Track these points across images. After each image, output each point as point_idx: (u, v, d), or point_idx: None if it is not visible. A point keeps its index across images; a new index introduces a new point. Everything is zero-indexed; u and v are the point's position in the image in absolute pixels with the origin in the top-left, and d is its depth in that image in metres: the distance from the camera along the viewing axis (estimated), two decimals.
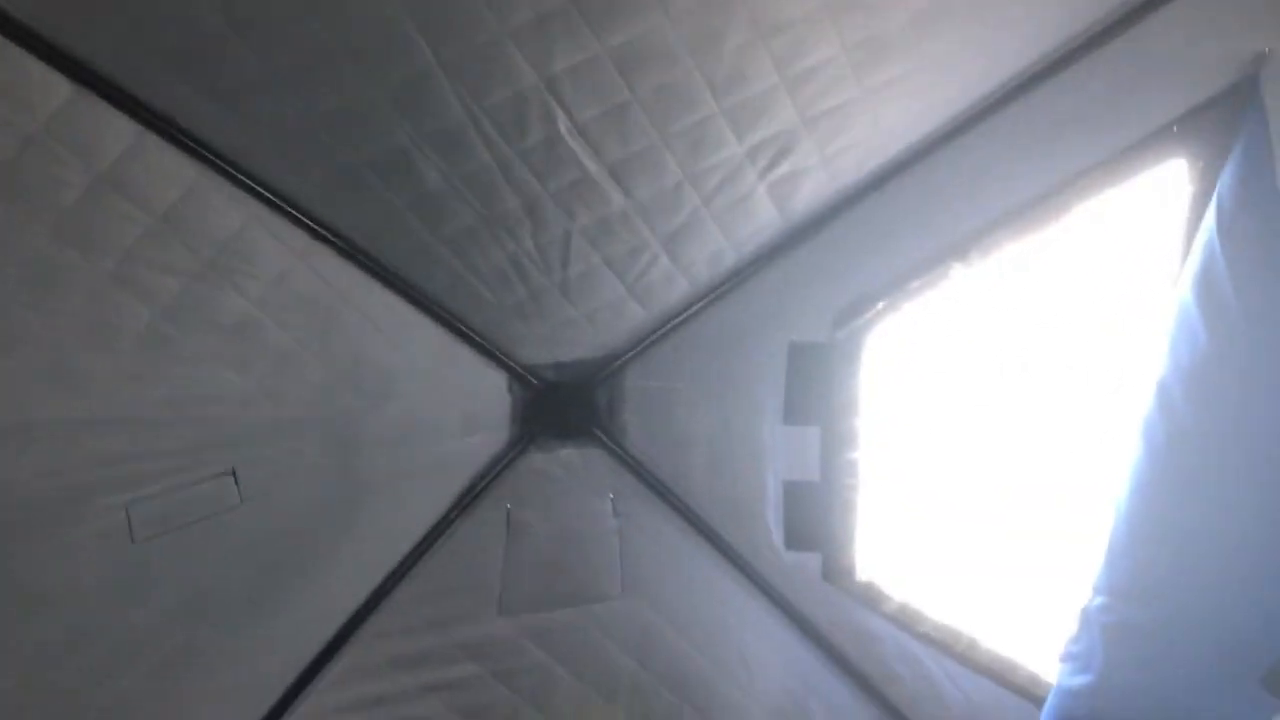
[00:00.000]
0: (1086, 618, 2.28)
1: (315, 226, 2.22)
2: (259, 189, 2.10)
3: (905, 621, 3.00)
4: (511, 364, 2.69)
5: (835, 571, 2.96)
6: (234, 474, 2.36)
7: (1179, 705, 2.23)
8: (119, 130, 1.90)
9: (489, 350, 2.64)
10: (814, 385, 2.76)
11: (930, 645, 2.99)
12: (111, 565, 2.27)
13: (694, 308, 2.67)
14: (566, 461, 2.84)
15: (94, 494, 2.18)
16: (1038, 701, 2.50)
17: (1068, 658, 2.35)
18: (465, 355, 2.62)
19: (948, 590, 3.00)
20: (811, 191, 2.39)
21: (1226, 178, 1.96)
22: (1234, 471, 1.99)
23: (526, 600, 2.91)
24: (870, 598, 3.00)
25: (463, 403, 2.69)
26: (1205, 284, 1.94)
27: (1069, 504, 2.70)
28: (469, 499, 2.76)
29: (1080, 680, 2.31)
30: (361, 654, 2.77)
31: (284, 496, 2.47)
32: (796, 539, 2.93)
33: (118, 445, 2.18)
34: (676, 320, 2.69)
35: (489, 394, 2.72)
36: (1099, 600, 2.24)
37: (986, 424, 2.85)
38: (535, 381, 2.75)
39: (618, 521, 2.92)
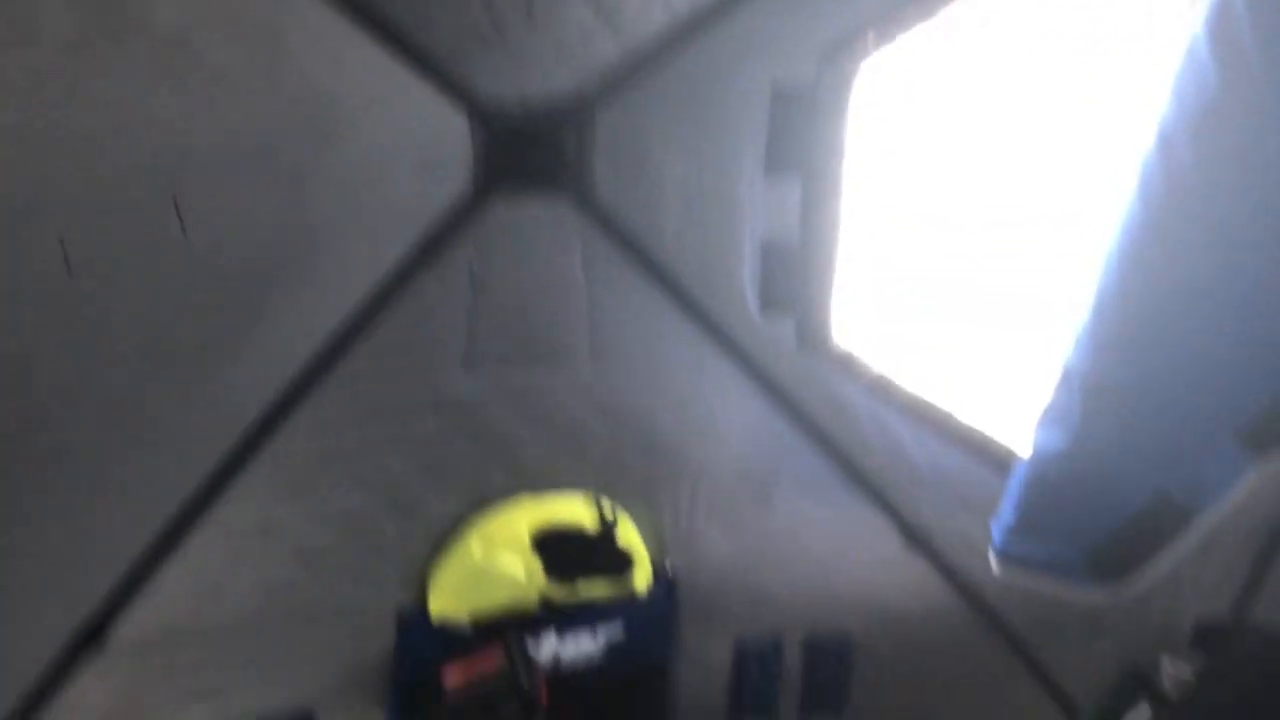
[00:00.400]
0: (1067, 375, 2.22)
1: None
2: None
3: (881, 392, 2.97)
4: (472, 100, 2.48)
5: (810, 337, 2.89)
6: (175, 204, 2.21)
7: (1155, 464, 2.21)
8: None
9: (447, 82, 2.41)
10: (798, 128, 2.60)
11: (905, 416, 2.97)
12: (48, 302, 2.15)
13: (672, 40, 2.44)
14: (532, 213, 2.66)
15: (23, 215, 2.03)
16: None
17: (1043, 420, 2.32)
18: (422, 90, 2.39)
19: (926, 363, 2.96)
20: None
21: None
22: (1234, 223, 1.89)
23: (491, 355, 2.83)
24: (846, 367, 2.96)
25: (420, 144, 2.49)
26: (1220, 19, 1.76)
27: (1061, 264, 2.60)
28: (429, 249, 2.62)
29: (1055, 443, 2.29)
30: (322, 406, 2.68)
31: (230, 234, 2.32)
32: (771, 300, 2.84)
33: (47, 157, 2.01)
34: (652, 55, 2.46)
35: (448, 136, 2.51)
36: (1081, 355, 2.17)
37: (978, 175, 2.72)
38: (498, 122, 2.53)
39: (586, 279, 2.80)
